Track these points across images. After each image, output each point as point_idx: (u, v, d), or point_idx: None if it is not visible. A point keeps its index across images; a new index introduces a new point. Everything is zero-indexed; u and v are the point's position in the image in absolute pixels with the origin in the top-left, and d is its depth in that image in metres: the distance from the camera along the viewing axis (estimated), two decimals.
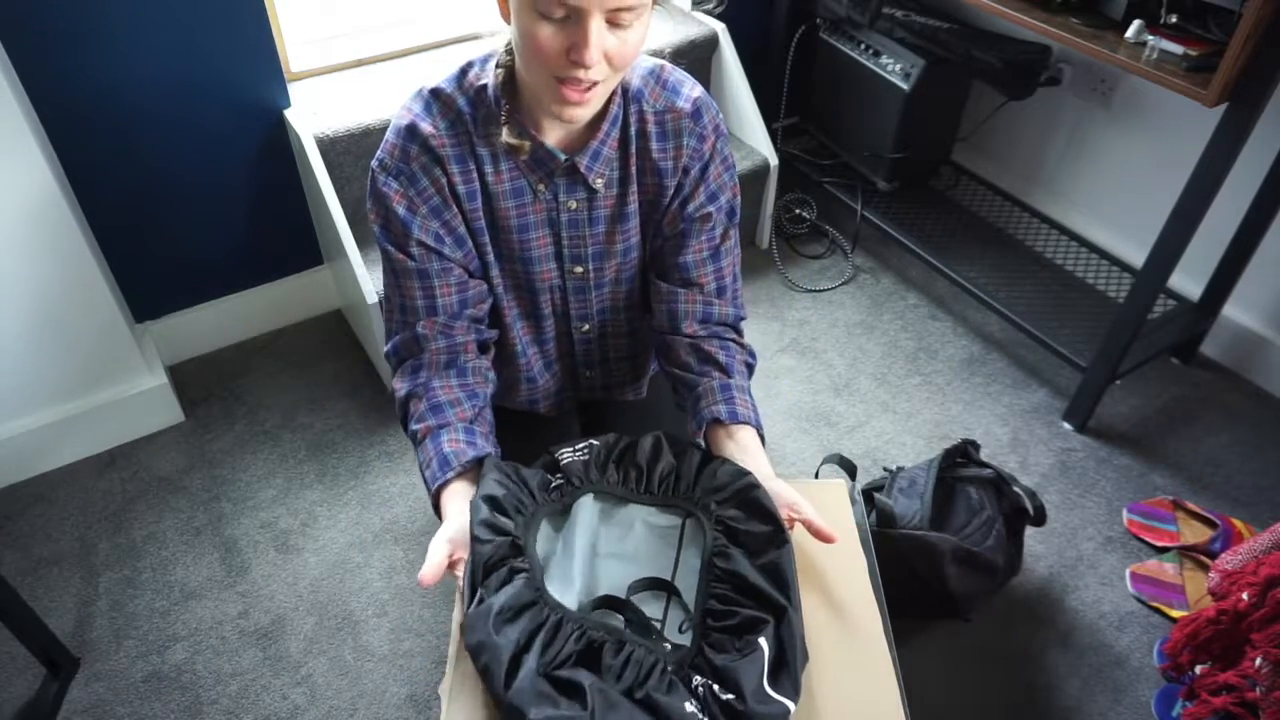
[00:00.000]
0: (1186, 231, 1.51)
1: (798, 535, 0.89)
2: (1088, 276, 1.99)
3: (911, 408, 1.87)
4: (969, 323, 2.08)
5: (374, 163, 0.97)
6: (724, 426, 0.98)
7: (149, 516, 1.64)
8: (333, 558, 1.58)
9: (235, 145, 1.77)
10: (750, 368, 1.08)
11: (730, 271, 1.08)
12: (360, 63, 1.94)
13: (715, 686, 0.74)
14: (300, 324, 2.07)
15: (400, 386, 1.01)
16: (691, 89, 1.02)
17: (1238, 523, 1.60)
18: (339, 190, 1.75)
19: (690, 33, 2.09)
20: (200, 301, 1.93)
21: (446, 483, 0.92)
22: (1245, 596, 1.18)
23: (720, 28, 2.11)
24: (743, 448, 0.97)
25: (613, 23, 0.82)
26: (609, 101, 0.96)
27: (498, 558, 0.82)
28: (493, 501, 0.86)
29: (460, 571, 0.85)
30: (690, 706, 0.72)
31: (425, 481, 0.95)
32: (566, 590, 0.83)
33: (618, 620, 0.82)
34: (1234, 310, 1.90)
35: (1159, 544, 1.59)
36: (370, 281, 1.68)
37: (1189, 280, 1.91)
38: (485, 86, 0.95)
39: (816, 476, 1.49)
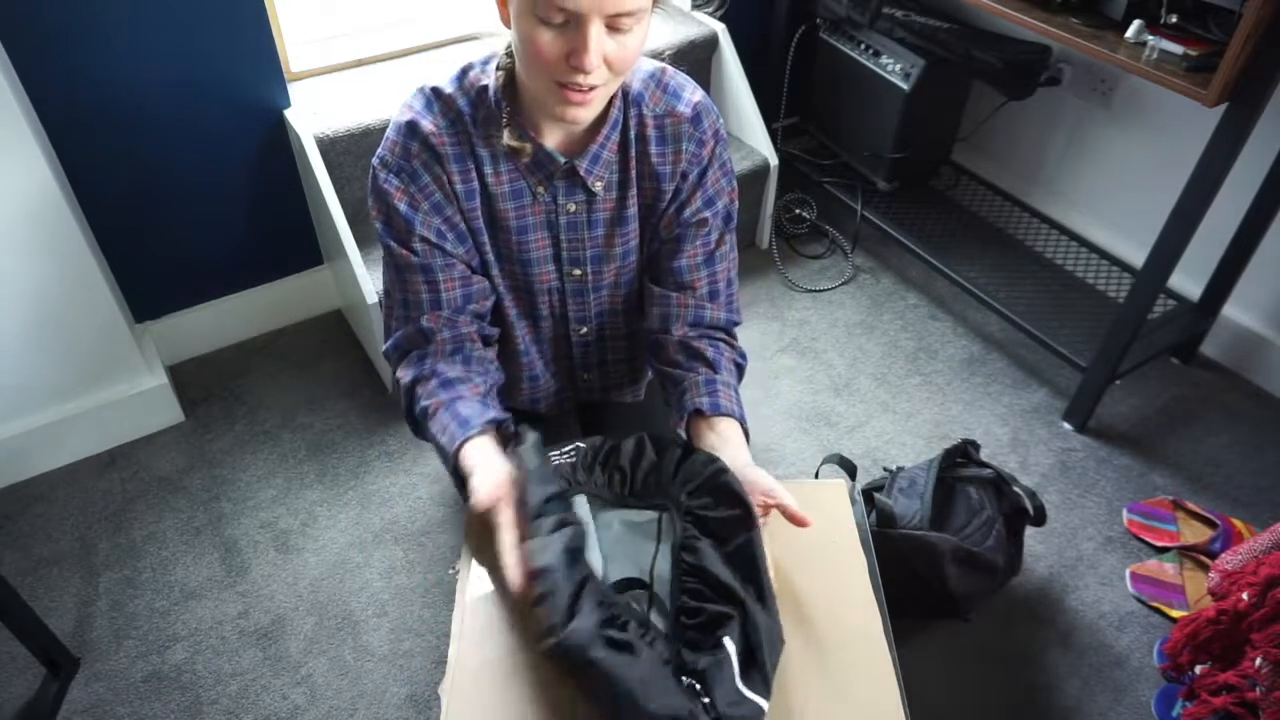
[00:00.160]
0: (1186, 231, 1.51)
1: (799, 535, 0.89)
2: (1088, 276, 1.99)
3: (911, 408, 1.87)
4: (969, 323, 2.08)
5: (375, 160, 0.97)
6: (705, 418, 0.98)
7: (149, 516, 1.64)
8: (333, 558, 1.58)
9: (235, 145, 1.77)
10: (740, 368, 1.08)
11: (725, 276, 1.08)
12: (360, 63, 1.94)
13: (697, 686, 0.75)
14: (300, 324, 2.07)
15: (405, 374, 1.00)
16: (692, 94, 1.02)
17: (1238, 523, 1.60)
18: (339, 190, 1.75)
19: (690, 33, 2.09)
20: (200, 301, 1.93)
21: (469, 439, 0.91)
22: (1245, 596, 1.19)
23: (720, 28, 2.11)
24: (723, 439, 0.96)
25: (612, 27, 0.82)
26: (609, 105, 0.96)
27: (553, 498, 0.83)
28: (543, 457, 0.86)
29: (503, 516, 0.84)
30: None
31: (441, 449, 0.93)
32: None
33: (640, 605, 0.83)
34: (1234, 310, 1.90)
35: (1159, 544, 1.59)
36: (370, 281, 1.68)
37: (1189, 280, 1.91)
38: (486, 88, 0.95)
39: (816, 476, 1.49)
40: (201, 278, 1.90)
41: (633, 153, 1.00)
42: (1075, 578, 1.55)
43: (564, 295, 1.08)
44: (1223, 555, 1.36)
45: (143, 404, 1.77)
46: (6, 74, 1.42)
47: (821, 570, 0.91)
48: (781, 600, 0.85)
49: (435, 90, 0.96)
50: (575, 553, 0.79)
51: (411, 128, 0.95)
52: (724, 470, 0.88)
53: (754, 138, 2.16)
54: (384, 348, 1.05)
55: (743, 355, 1.09)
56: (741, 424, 0.99)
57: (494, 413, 0.95)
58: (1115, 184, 2.07)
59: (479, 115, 0.95)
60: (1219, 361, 1.97)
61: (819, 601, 0.88)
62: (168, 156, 1.71)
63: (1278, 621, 1.14)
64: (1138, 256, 1.81)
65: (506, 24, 0.88)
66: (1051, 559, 1.58)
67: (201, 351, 1.98)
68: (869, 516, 1.40)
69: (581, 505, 0.91)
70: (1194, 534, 1.60)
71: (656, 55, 2.00)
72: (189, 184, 1.76)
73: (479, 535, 0.88)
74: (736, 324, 1.10)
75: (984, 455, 1.56)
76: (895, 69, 2.02)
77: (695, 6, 2.19)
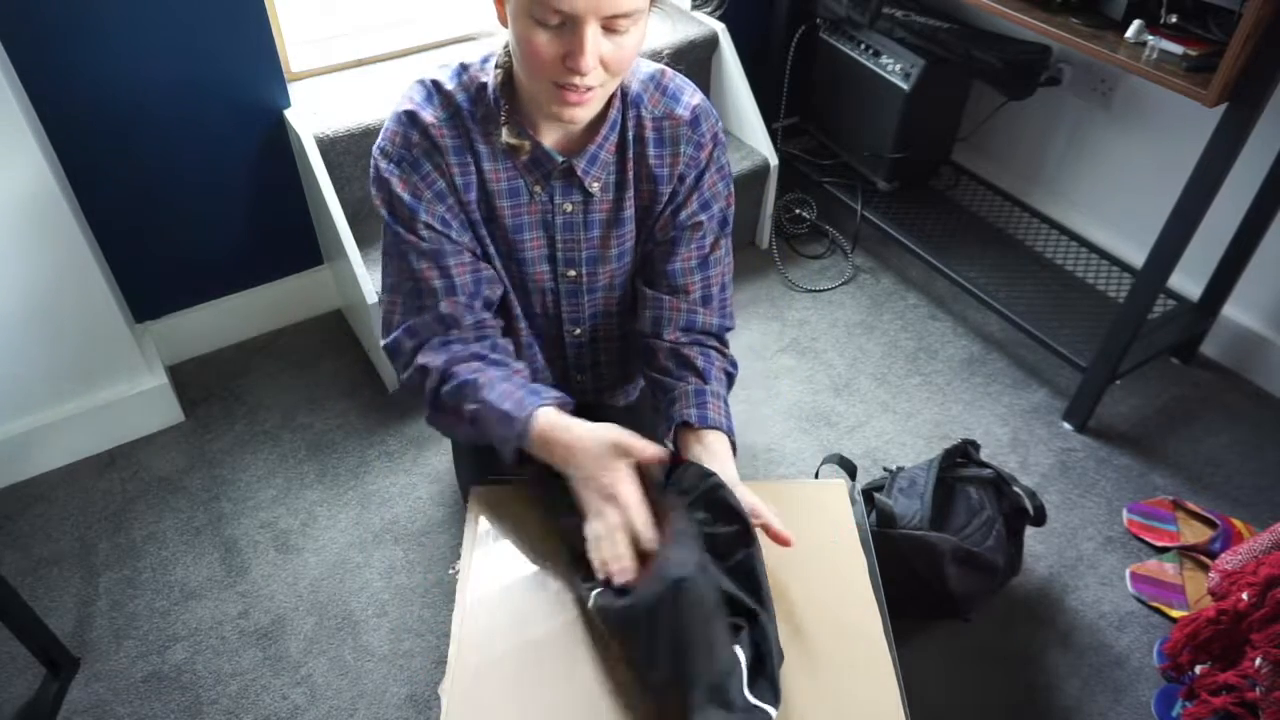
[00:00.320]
0: (1186, 231, 1.51)
1: (798, 536, 0.88)
2: (1088, 276, 1.99)
3: (911, 408, 1.87)
4: (969, 323, 2.08)
5: (375, 150, 0.97)
6: (693, 430, 0.96)
7: (149, 516, 1.64)
8: (333, 558, 1.58)
9: (235, 145, 1.77)
10: (730, 377, 1.07)
11: (718, 281, 1.07)
12: (360, 63, 1.94)
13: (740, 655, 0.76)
14: (300, 324, 2.06)
15: (431, 359, 0.95)
16: (691, 96, 1.01)
17: (1238, 523, 1.60)
18: (339, 190, 1.75)
19: (690, 33, 2.09)
20: (200, 301, 1.93)
21: (544, 404, 0.89)
22: (1245, 596, 1.19)
23: (720, 28, 2.11)
24: (710, 452, 0.95)
25: (608, 29, 0.82)
26: (608, 105, 0.96)
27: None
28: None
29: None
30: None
31: (503, 416, 0.89)
32: None
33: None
34: (1234, 310, 1.90)
35: (1159, 544, 1.59)
36: (370, 281, 1.67)
37: (1189, 280, 1.91)
38: (484, 85, 0.95)
39: (816, 476, 1.49)
40: (201, 277, 1.90)
41: (630, 154, 1.00)
42: (1075, 578, 1.55)
43: (558, 296, 1.08)
44: (1223, 555, 1.36)
45: (143, 404, 1.76)
46: (6, 72, 1.42)
47: (821, 570, 0.91)
48: (781, 600, 0.85)
49: (435, 83, 0.96)
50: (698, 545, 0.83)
51: (411, 117, 0.95)
52: (720, 485, 0.87)
53: (754, 138, 2.16)
54: (387, 339, 1.00)
55: (734, 364, 1.08)
56: (729, 436, 0.98)
57: (558, 392, 0.93)
58: (1115, 184, 2.07)
59: (478, 112, 0.95)
60: (1219, 361, 1.97)
61: (819, 601, 0.88)
62: (167, 156, 1.71)
63: (1278, 621, 1.14)
64: (1138, 256, 1.81)
65: (503, 23, 0.88)
66: (1051, 559, 1.58)
67: (201, 351, 1.98)
68: (869, 516, 1.40)
69: None
70: (1194, 534, 1.60)
71: (656, 55, 2.00)
72: (189, 183, 1.76)
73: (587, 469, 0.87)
74: (729, 330, 1.09)
75: (984, 455, 1.56)
76: (895, 69, 2.02)
77: (695, 6, 2.19)
